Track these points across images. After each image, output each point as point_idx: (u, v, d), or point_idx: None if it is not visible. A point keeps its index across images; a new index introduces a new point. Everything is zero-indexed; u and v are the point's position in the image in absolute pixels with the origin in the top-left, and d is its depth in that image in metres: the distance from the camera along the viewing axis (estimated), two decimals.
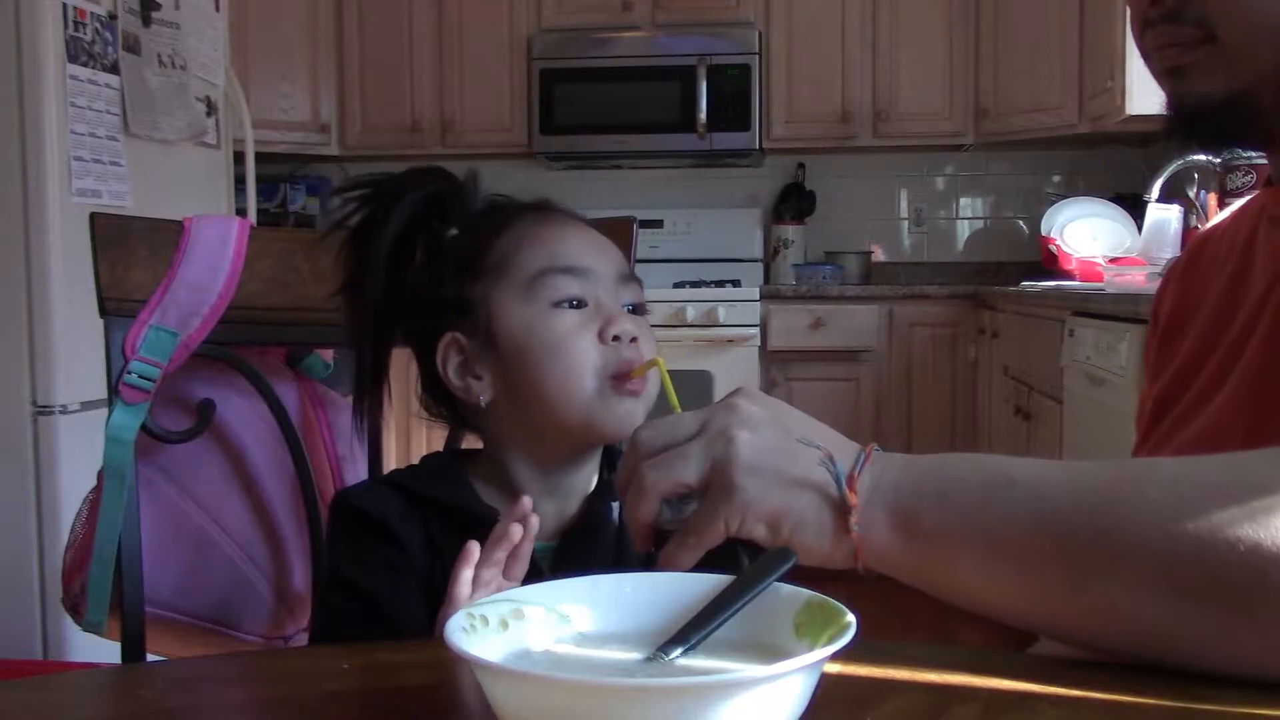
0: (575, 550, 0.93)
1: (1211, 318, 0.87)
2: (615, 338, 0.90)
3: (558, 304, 0.91)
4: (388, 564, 0.90)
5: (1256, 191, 0.92)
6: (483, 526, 0.88)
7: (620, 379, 0.89)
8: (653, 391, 0.92)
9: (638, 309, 0.96)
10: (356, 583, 0.89)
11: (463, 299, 0.94)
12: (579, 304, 0.91)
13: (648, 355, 0.91)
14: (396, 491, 0.93)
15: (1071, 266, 3.89)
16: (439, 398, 0.99)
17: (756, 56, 4.38)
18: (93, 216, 1.15)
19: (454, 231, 0.97)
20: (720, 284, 4.33)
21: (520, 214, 0.97)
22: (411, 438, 3.82)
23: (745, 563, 0.66)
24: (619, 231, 1.18)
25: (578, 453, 0.95)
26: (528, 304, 0.91)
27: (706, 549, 0.67)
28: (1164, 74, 0.79)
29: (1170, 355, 0.91)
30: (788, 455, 0.67)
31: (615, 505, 0.95)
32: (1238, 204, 0.95)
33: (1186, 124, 0.80)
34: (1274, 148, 0.84)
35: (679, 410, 0.73)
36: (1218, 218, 0.97)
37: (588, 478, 0.97)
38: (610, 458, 0.97)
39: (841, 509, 0.65)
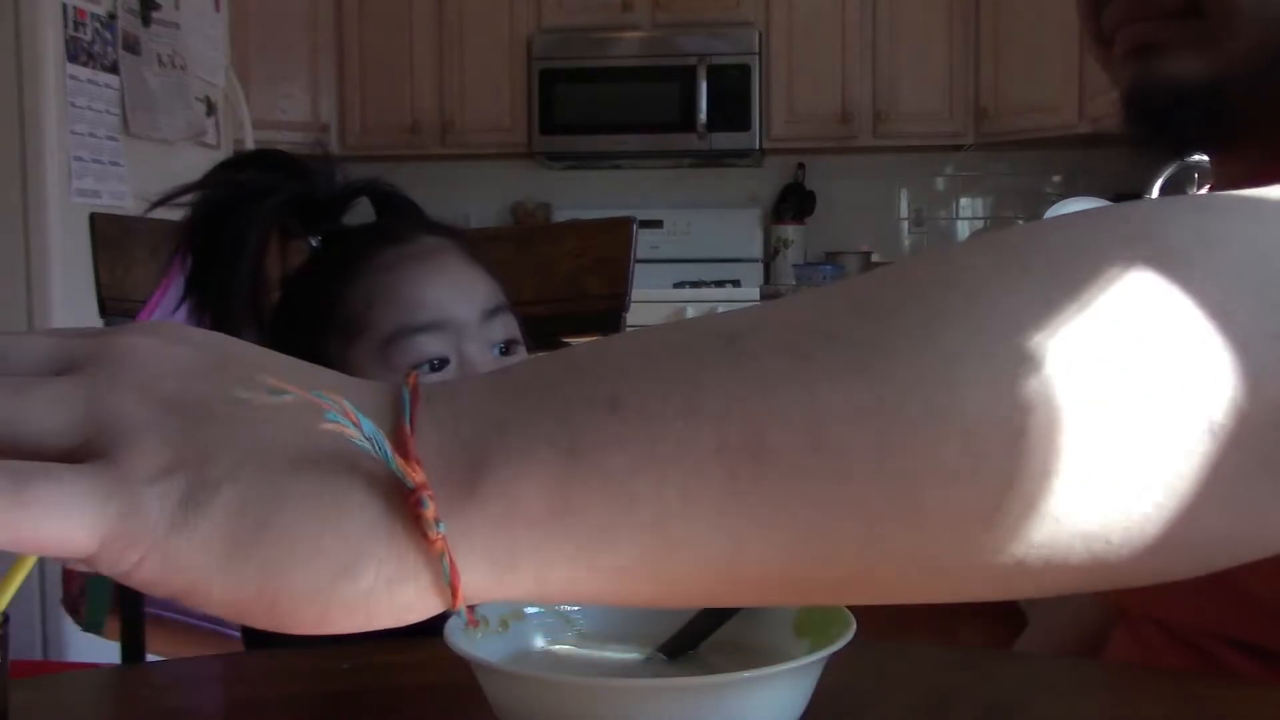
0: None
1: None
2: None
3: (418, 367, 0.83)
4: None
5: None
6: None
7: None
8: None
9: (510, 345, 0.88)
10: None
11: (318, 358, 0.88)
12: (442, 363, 0.85)
13: None
14: None
15: None
16: None
17: (756, 56, 4.37)
18: (93, 216, 1.15)
19: (315, 242, 0.91)
20: (720, 284, 4.33)
21: (371, 253, 0.88)
22: None
23: None
24: (618, 232, 1.17)
25: None
26: (385, 369, 0.84)
27: None
28: (1130, 55, 0.68)
29: None
30: (257, 415, 0.32)
31: None
32: None
33: (1154, 116, 0.68)
34: (1234, 150, 0.72)
35: None
36: None
37: None
38: None
39: (404, 497, 0.31)
